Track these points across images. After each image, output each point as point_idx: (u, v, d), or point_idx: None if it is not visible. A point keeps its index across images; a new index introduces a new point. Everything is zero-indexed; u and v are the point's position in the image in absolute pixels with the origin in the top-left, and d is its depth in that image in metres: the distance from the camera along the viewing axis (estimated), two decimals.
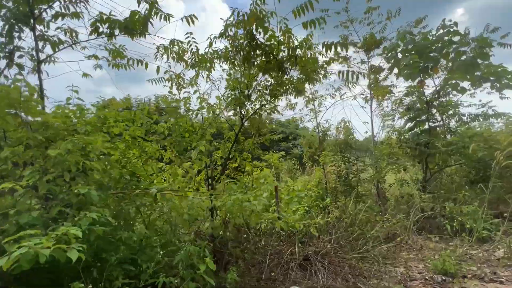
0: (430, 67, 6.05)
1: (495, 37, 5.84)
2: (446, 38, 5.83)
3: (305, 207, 5.14)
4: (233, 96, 3.42)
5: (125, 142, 3.30)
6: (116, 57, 3.78)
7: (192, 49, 3.46)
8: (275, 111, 3.82)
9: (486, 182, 7.48)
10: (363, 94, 6.21)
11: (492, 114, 5.76)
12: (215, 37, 3.09)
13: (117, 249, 2.10)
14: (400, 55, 6.37)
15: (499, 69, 5.22)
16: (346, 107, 12.90)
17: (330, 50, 2.97)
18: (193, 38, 3.39)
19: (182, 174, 4.20)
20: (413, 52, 6.03)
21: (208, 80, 3.65)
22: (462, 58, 5.57)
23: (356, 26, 7.90)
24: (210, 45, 3.19)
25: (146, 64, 3.57)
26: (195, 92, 3.55)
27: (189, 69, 3.65)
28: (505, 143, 4.48)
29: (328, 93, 6.37)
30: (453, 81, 5.94)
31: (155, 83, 3.79)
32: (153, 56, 3.46)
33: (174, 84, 3.48)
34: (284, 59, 3.02)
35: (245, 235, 3.70)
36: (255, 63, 3.06)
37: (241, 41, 2.96)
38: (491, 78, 5.42)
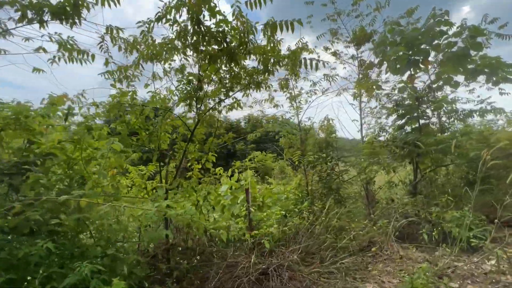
0: (420, 60, 5.64)
1: (493, 28, 5.42)
2: (437, 29, 5.42)
3: (282, 212, 4.78)
4: (185, 91, 3.09)
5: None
6: (67, 50, 3.48)
7: (147, 39, 3.14)
8: (238, 107, 3.47)
9: (486, 184, 7.05)
10: (344, 89, 5.81)
11: (487, 110, 5.32)
12: (151, 21, 2.75)
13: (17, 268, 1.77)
14: (388, 48, 5.98)
15: (494, 61, 4.80)
16: (335, 104, 12.44)
17: (275, 32, 2.61)
18: (146, 26, 3.06)
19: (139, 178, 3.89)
20: (402, 44, 5.63)
21: (165, 73, 3.32)
22: (453, 50, 5.16)
23: (344, 19, 7.54)
24: (149, 30, 2.85)
25: (93, 56, 3.25)
26: (146, 86, 3.22)
27: (146, 62, 3.32)
28: (492, 140, 4.06)
29: (311, 89, 6.00)
30: (446, 75, 5.54)
31: (107, 76, 3.47)
32: (98, 46, 3.14)
33: (122, 78, 3.15)
34: (235, 46, 2.67)
35: (206, 245, 3.36)
36: (204, 51, 2.71)
37: (187, 25, 2.62)
38: (486, 71, 4.99)
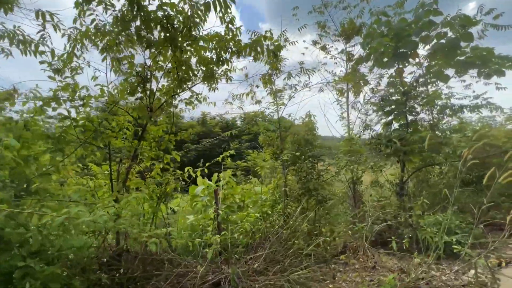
0: (408, 52, 5.32)
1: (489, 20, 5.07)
2: (426, 19, 5.09)
3: (256, 214, 4.52)
4: (135, 83, 2.81)
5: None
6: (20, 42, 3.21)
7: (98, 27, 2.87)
8: (194, 102, 3.19)
9: (481, 183, 6.71)
10: (322, 83, 5.49)
11: (478, 105, 4.98)
12: (79, 3, 2.47)
13: None
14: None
15: (485, 52, 4.46)
16: (323, 101, 12.08)
17: (208, 11, 2.33)
18: (97, 15, 2.79)
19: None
20: (390, 36, 5.30)
21: (113, 64, 3.05)
22: (443, 41, 4.83)
23: (332, 11, 7.22)
24: (81, 14, 2.57)
25: (36, 48, 2.98)
26: (93, 78, 2.95)
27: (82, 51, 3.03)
28: (474, 137, 3.76)
29: (290, 84, 5.69)
30: (436, 68, 5.21)
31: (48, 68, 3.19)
32: (38, 35, 2.86)
33: (65, 69, 2.88)
34: (179, 32, 2.39)
35: (159, 252, 3.10)
36: (145, 38, 2.44)
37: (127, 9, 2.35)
38: (478, 63, 4.66)
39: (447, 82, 5.28)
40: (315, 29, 7.22)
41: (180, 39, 2.42)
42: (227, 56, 2.78)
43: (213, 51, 2.72)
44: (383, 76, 5.69)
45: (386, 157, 5.03)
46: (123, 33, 2.47)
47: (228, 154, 4.79)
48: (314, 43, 7.87)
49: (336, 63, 7.55)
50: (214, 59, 2.77)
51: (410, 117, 5.46)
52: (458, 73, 5.16)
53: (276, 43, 3.44)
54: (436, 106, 5.59)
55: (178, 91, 2.99)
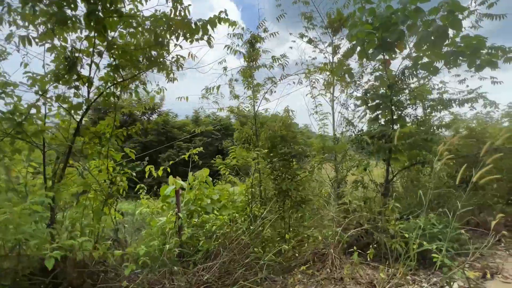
0: (395, 43, 4.96)
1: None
2: (413, 6, 4.72)
3: (225, 216, 4.17)
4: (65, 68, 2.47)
5: None
6: None
7: None
8: (154, 93, 2.86)
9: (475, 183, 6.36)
10: (297, 74, 5.12)
11: (468, 99, 4.63)
12: None
13: None
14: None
15: (475, 41, 4.10)
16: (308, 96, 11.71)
17: None
18: None
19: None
20: (377, 25, 4.94)
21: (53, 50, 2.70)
22: (430, 30, 4.46)
23: (317, 1, 6.86)
24: None
25: None
26: (24, 65, 2.60)
27: None
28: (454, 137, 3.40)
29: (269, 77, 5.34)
30: (424, 60, 4.85)
31: None
32: None
33: None
34: (99, 4, 2.05)
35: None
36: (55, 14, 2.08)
37: None
38: (467, 53, 4.29)
39: (436, 75, 4.92)
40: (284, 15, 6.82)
41: (102, 14, 2.08)
42: (173, 38, 2.43)
43: (151, 32, 2.37)
44: (366, 69, 5.32)
45: (369, 155, 4.69)
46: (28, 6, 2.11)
47: (196, 152, 4.44)
48: (301, 36, 7.52)
49: (326, 57, 7.21)
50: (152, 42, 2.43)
51: (398, 112, 5.13)
52: (448, 65, 4.80)
53: (234, 26, 3.07)
54: (424, 101, 5.25)
55: (118, 79, 2.64)
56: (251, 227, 3.05)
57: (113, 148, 3.18)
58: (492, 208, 4.89)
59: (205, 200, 4.64)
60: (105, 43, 2.31)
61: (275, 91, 5.87)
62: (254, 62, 5.20)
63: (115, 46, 2.37)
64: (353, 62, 6.44)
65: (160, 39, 2.39)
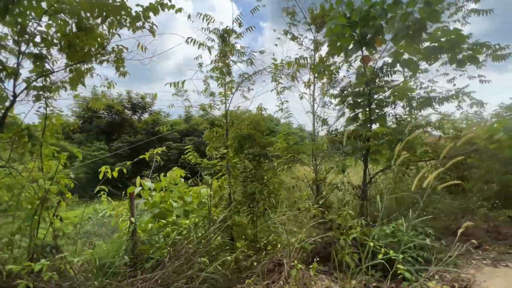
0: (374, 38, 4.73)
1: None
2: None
3: (186, 221, 3.92)
4: None
5: None
6: None
7: None
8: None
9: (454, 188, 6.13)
10: (265, 69, 4.87)
11: (448, 97, 4.39)
12: None
13: None
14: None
15: (453, 36, 3.87)
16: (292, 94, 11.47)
17: None
18: None
19: None
20: (356, 20, 4.71)
21: None
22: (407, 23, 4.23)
23: None
24: None
25: None
26: None
27: None
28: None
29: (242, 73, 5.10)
30: (405, 56, 4.62)
31: None
32: None
33: None
34: None
35: None
36: None
37: None
38: (446, 48, 4.06)
39: (417, 72, 4.69)
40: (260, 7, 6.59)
41: None
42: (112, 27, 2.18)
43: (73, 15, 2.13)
44: (342, 65, 5.08)
45: (344, 156, 4.45)
46: None
47: (160, 151, 4.19)
48: (285, 32, 7.30)
49: (308, 54, 6.98)
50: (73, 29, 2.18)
51: (378, 112, 4.90)
52: (428, 61, 4.57)
53: (179, 11, 2.81)
54: (406, 100, 5.01)
55: (38, 69, 2.39)
56: (200, 234, 2.80)
57: (55, 147, 2.93)
58: (475, 212, 4.66)
59: (170, 203, 4.38)
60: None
61: (252, 89, 5.65)
62: (225, 58, 4.96)
63: (29, 32, 2.13)
64: (339, 59, 6.22)
65: (88, 25, 2.14)
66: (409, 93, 5.04)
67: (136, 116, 20.47)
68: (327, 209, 5.06)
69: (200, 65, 5.08)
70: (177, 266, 2.58)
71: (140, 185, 5.02)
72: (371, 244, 2.79)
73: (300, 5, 6.52)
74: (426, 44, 4.42)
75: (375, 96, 4.77)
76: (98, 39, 2.32)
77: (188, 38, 4.01)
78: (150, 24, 2.47)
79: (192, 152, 3.95)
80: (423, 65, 5.16)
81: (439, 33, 4.19)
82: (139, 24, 2.43)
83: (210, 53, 4.19)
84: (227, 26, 5.28)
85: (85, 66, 2.78)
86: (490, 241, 3.79)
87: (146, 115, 20.94)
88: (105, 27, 2.35)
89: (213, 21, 5.21)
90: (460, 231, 2.39)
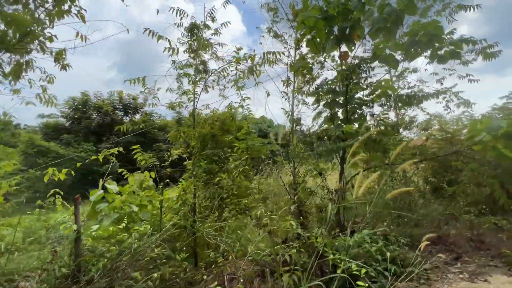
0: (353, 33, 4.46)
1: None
2: None
3: (141, 228, 3.63)
4: None
5: None
6: None
7: None
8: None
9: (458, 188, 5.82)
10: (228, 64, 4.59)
11: (429, 94, 4.12)
12: None
13: None
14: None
15: (431, 28, 3.60)
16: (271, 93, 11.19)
17: None
18: None
19: None
20: (335, 14, 4.45)
21: None
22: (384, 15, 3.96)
23: None
24: None
25: None
26: None
27: None
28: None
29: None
30: (385, 51, 4.35)
31: None
32: None
33: None
34: None
35: None
36: None
37: None
38: (425, 42, 3.79)
39: (397, 68, 4.42)
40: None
41: None
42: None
43: None
44: (318, 62, 4.82)
45: (318, 157, 4.17)
46: None
47: (116, 152, 3.91)
48: (269, 30, 7.05)
49: (288, 52, 6.73)
50: None
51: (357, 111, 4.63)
52: (408, 57, 4.29)
53: None
54: (388, 99, 4.74)
55: None
56: (135, 244, 2.51)
57: None
58: (460, 219, 4.36)
59: (127, 208, 4.08)
60: None
61: (227, 87, 5.39)
62: (195, 53, 4.70)
63: None
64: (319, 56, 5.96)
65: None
66: (392, 92, 4.78)
67: (127, 117, 20.17)
68: (304, 215, 4.79)
69: (174, 62, 4.83)
70: (108, 281, 2.28)
71: (103, 188, 4.74)
72: (331, 257, 2.49)
73: (280, 0, 6.29)
74: (406, 39, 4.16)
75: (356, 95, 4.50)
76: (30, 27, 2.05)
77: (146, 29, 3.74)
78: (78, 9, 2.21)
79: (141, 152, 3.67)
80: (412, 64, 4.91)
81: (417, 27, 3.93)
82: (64, 7, 2.16)
83: (170, 44, 3.91)
84: (201, 21, 5.05)
85: (24, 58, 2.51)
86: (471, 251, 3.49)
87: (138, 116, 20.64)
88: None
89: (187, 16, 4.98)
90: (422, 244, 2.10)
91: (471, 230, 4.02)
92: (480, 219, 4.41)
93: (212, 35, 4.95)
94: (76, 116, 18.37)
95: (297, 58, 6.08)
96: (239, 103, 3.92)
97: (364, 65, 4.29)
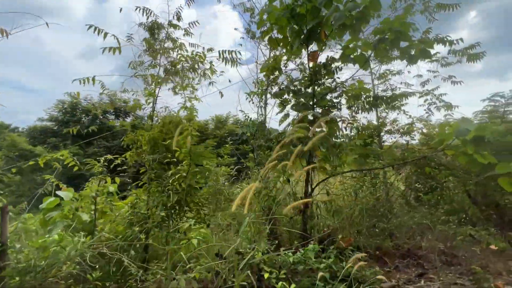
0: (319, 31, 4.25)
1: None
2: None
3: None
4: None
5: None
6: None
7: None
8: None
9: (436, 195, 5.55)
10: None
11: (396, 96, 3.87)
12: None
13: None
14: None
15: (396, 25, 3.37)
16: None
17: None
18: None
19: None
20: (304, 12, 4.24)
21: None
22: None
23: None
24: None
25: None
26: None
27: None
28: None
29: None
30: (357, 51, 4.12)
31: None
32: None
33: None
34: None
35: None
36: None
37: None
38: (391, 40, 3.56)
39: (367, 69, 4.19)
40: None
41: None
42: None
43: None
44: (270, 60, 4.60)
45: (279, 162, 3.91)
46: None
47: (60, 156, 3.67)
48: (247, 31, 6.88)
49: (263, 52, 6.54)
50: None
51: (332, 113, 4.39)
52: (378, 56, 4.07)
53: None
54: (358, 101, 4.50)
55: None
56: (45, 261, 2.24)
57: None
58: (434, 229, 4.09)
59: (78, 216, 3.84)
60: None
61: (197, 89, 5.18)
62: (154, 53, 4.50)
63: None
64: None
65: None
66: (365, 94, 4.55)
67: (119, 121, 19.93)
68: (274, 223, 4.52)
69: (142, 62, 4.64)
70: None
71: (56, 195, 4.50)
72: (266, 275, 2.23)
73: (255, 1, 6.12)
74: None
75: (328, 97, 4.26)
76: None
77: (90, 26, 3.52)
78: None
79: (69, 157, 3.44)
80: (397, 66, 4.69)
81: (384, 25, 3.71)
82: None
83: (118, 43, 3.68)
84: (168, 21, 4.86)
85: None
86: (440, 266, 3.21)
87: (129, 120, 20.41)
88: None
89: (153, 15, 4.80)
90: (354, 259, 1.84)
91: (444, 242, 3.74)
92: (457, 230, 4.13)
93: (184, 36, 4.76)
94: (64, 120, 18.20)
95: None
96: (182, 104, 3.68)
97: (331, 65, 4.06)
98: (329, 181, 5.71)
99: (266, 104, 5.55)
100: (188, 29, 4.75)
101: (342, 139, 3.88)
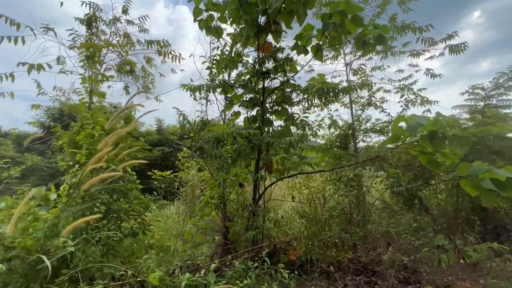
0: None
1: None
2: None
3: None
4: None
5: None
6: None
7: None
8: None
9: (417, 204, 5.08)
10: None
11: (348, 88, 3.45)
12: None
13: None
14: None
15: (341, 8, 2.96)
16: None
17: None
18: None
19: None
20: (255, 1, 3.87)
21: None
22: None
23: None
24: None
25: None
26: None
27: None
28: None
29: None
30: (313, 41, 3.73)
31: None
32: None
33: None
34: None
35: None
36: None
37: None
38: (338, 25, 3.15)
39: (322, 60, 3.78)
40: None
41: None
42: None
43: None
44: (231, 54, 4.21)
45: (220, 164, 3.52)
46: None
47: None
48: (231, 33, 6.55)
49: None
50: None
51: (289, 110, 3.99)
52: (332, 45, 3.65)
53: None
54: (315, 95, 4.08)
55: None
56: None
57: None
58: (396, 240, 3.62)
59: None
60: None
61: (155, 87, 4.92)
62: (89, 48, 4.17)
63: None
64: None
65: None
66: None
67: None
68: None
69: (84, 60, 4.32)
70: None
71: None
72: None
73: None
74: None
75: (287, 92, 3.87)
76: None
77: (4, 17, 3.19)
78: None
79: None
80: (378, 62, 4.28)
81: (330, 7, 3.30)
82: None
83: (35, 36, 3.35)
84: (116, 15, 4.56)
85: None
86: (396, 285, 2.75)
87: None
88: None
89: (101, 10, 4.52)
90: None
91: (409, 255, 3.27)
92: (424, 240, 3.65)
93: (140, 32, 4.45)
94: (54, 124, 17.82)
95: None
96: (110, 104, 3.32)
97: (276, 54, 3.68)
98: (298, 184, 5.28)
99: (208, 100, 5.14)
100: (133, 21, 4.46)
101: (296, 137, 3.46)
